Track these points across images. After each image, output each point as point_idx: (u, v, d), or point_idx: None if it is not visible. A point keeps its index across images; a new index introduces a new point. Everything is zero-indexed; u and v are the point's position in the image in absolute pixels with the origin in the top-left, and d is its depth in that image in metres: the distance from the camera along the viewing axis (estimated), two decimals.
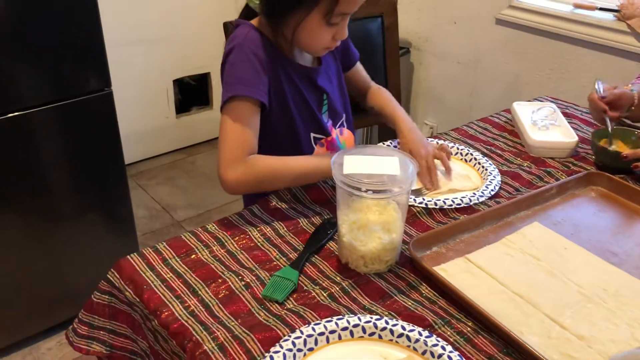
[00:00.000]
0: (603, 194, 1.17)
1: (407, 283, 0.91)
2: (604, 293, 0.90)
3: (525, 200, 1.10)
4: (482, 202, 1.11)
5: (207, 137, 3.11)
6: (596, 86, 1.32)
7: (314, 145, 1.22)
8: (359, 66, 1.38)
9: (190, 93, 3.04)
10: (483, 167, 1.23)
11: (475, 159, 1.26)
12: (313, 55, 1.20)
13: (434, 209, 1.09)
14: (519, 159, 1.29)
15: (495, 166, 1.23)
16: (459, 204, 1.10)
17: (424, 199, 1.11)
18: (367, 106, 1.39)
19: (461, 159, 1.28)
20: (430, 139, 1.32)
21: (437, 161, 1.19)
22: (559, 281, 0.92)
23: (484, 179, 1.20)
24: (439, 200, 1.10)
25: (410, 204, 1.08)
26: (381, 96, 1.37)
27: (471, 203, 1.10)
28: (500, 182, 1.18)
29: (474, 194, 1.13)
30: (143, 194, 2.69)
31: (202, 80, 3.02)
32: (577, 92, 1.98)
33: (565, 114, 1.44)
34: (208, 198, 2.66)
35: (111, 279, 0.93)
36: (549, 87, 2.13)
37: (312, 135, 1.21)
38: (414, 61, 2.58)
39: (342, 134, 1.30)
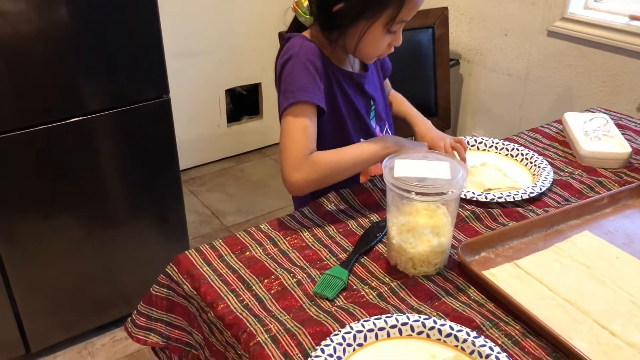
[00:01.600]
0: None
1: (455, 286, 0.93)
2: None
3: (576, 209, 1.10)
4: (533, 199, 1.14)
5: (257, 146, 3.18)
6: None
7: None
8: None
9: (242, 103, 3.13)
10: (533, 163, 1.26)
11: (523, 154, 1.30)
12: (366, 62, 1.24)
13: (482, 214, 1.10)
14: (570, 167, 1.28)
15: (544, 160, 1.26)
16: (519, 196, 1.13)
17: (474, 193, 1.15)
18: (392, 112, 1.43)
19: (498, 153, 1.33)
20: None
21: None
22: (610, 290, 0.92)
23: (534, 174, 1.23)
24: (495, 195, 1.13)
25: (460, 205, 1.10)
26: (399, 100, 1.43)
27: (533, 193, 1.14)
28: (552, 173, 1.21)
29: (526, 189, 1.16)
30: (194, 199, 2.77)
31: (253, 90, 3.10)
32: (631, 105, 1.94)
33: (619, 126, 1.43)
34: (256, 205, 2.72)
35: (170, 272, 0.98)
36: (601, 100, 2.10)
37: (362, 140, 1.25)
38: (463, 73, 2.58)
39: None
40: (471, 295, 0.91)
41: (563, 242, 1.03)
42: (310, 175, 1.07)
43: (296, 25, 1.23)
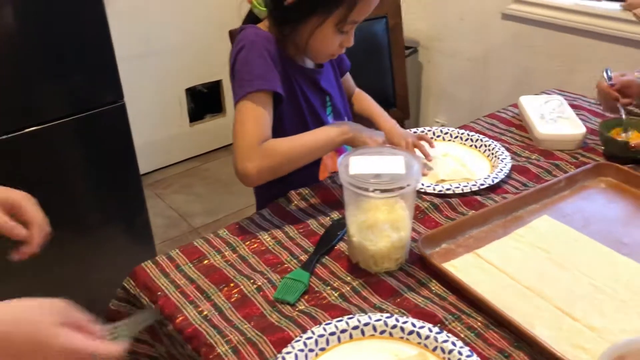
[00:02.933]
0: (613, 184, 1.16)
1: (417, 280, 0.92)
2: (616, 284, 0.90)
3: (534, 194, 1.10)
4: (492, 186, 1.14)
5: (221, 144, 3.14)
6: (604, 74, 1.32)
7: None
8: (347, 74, 1.41)
9: (203, 101, 3.08)
10: (493, 153, 1.26)
11: (486, 145, 1.30)
12: (316, 61, 1.22)
13: (441, 204, 1.10)
14: (526, 151, 1.29)
15: (502, 148, 1.27)
16: (469, 189, 1.13)
17: (431, 185, 1.14)
18: (351, 110, 1.41)
19: (463, 144, 1.33)
20: (413, 130, 1.36)
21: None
22: (570, 274, 0.93)
23: (493, 165, 1.24)
24: (451, 187, 1.13)
25: (419, 197, 1.10)
26: (362, 99, 1.41)
27: (484, 185, 1.14)
28: (509, 164, 1.21)
29: (477, 181, 1.16)
30: (160, 202, 2.73)
31: (214, 87, 3.06)
32: (588, 84, 1.95)
33: (573, 106, 1.44)
34: (224, 204, 2.69)
35: (127, 286, 0.95)
36: (559, 80, 2.12)
37: None
38: (422, 60, 2.58)
39: None
40: (433, 289, 0.91)
41: (522, 228, 1.04)
42: (262, 164, 1.04)
43: (251, 19, 1.21)
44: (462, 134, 1.34)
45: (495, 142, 1.29)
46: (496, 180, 1.15)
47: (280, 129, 1.14)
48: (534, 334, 0.78)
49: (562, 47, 2.09)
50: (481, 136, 1.32)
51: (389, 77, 1.70)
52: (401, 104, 1.73)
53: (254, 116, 1.07)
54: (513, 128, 1.40)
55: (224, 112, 3.11)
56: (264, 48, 1.10)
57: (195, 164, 3.05)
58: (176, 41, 2.77)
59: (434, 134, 1.36)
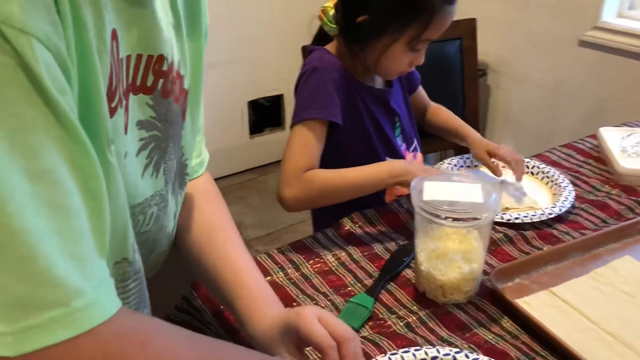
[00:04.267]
0: None
1: (487, 315, 0.88)
2: None
3: (615, 232, 1.04)
4: (569, 221, 1.10)
5: (279, 158, 3.12)
6: None
7: None
8: (420, 88, 1.38)
9: (264, 114, 3.11)
10: (554, 181, 1.22)
11: (543, 172, 1.25)
12: (386, 78, 1.20)
13: (515, 236, 1.04)
14: (607, 186, 1.22)
15: (565, 177, 1.22)
16: (538, 218, 1.08)
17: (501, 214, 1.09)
18: (428, 124, 1.38)
19: (527, 172, 1.28)
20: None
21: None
22: None
23: (554, 192, 1.19)
24: (520, 216, 1.08)
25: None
26: (443, 112, 1.37)
27: (552, 214, 1.09)
28: (573, 192, 1.16)
29: (554, 205, 1.11)
30: None
31: (276, 101, 3.08)
32: None
33: None
34: (278, 218, 2.69)
35: (189, 297, 0.95)
36: (637, 113, 2.02)
37: (387, 159, 1.20)
38: (491, 84, 2.52)
39: (415, 158, 1.29)
40: (505, 325, 0.86)
41: (602, 267, 0.97)
42: (300, 193, 1.04)
43: (321, 36, 1.20)
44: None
45: (553, 169, 1.24)
46: (563, 209, 1.10)
47: (338, 156, 1.12)
48: None
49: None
50: (537, 162, 1.28)
51: (460, 99, 1.66)
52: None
53: (303, 143, 1.06)
54: (591, 160, 1.34)
55: (283, 126, 3.13)
56: (327, 75, 1.10)
57: (252, 176, 3.07)
58: (242, 53, 2.82)
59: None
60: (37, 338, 0.42)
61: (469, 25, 1.65)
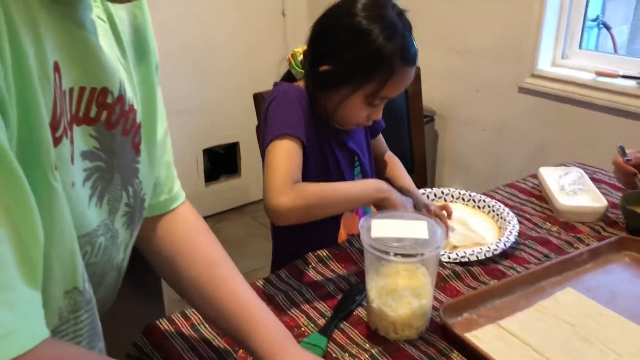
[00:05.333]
0: (637, 259, 1.14)
1: (438, 350, 0.89)
2: None
3: (557, 266, 1.08)
4: (514, 257, 1.14)
5: (235, 205, 3.15)
6: (618, 150, 1.33)
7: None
8: (380, 135, 1.43)
9: (220, 162, 3.11)
10: (499, 215, 1.27)
11: (489, 206, 1.31)
12: (342, 127, 1.24)
13: (463, 272, 1.08)
14: (547, 223, 1.28)
15: (510, 211, 1.27)
16: (484, 255, 1.12)
17: (445, 253, 1.13)
18: (380, 171, 1.42)
19: (465, 204, 1.34)
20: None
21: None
22: (596, 348, 0.89)
23: (500, 227, 1.24)
24: (466, 253, 1.12)
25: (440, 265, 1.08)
26: (394, 163, 1.43)
27: (497, 250, 1.13)
28: (517, 225, 1.21)
29: (499, 240, 1.16)
30: None
31: (231, 149, 3.10)
32: (604, 158, 1.96)
33: (594, 179, 1.44)
34: (236, 265, 2.66)
35: (140, 344, 0.93)
36: (575, 153, 2.12)
37: None
38: (438, 129, 2.61)
39: None
40: (454, 359, 0.88)
41: (546, 299, 1.01)
42: (296, 202, 1.01)
43: (287, 78, 1.25)
44: (463, 194, 1.36)
45: (499, 203, 1.30)
46: (508, 244, 1.14)
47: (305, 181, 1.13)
48: None
49: (578, 121, 2.11)
50: (483, 197, 1.33)
51: (407, 143, 1.72)
52: (419, 171, 1.74)
53: (285, 155, 1.06)
54: (533, 199, 1.40)
55: (239, 173, 3.14)
56: (296, 100, 1.14)
57: (209, 223, 3.00)
58: (197, 102, 2.84)
59: (435, 195, 1.37)
60: None
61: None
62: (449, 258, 1.11)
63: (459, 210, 1.31)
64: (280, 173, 1.03)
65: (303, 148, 1.11)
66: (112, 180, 0.68)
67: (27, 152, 0.49)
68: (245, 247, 2.81)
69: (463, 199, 1.36)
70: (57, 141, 0.56)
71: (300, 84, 1.20)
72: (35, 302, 0.48)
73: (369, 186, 1.11)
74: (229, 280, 0.80)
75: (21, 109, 0.49)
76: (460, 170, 2.61)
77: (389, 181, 1.39)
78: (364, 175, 1.29)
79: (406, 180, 1.37)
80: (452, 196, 1.37)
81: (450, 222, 1.25)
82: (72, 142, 0.60)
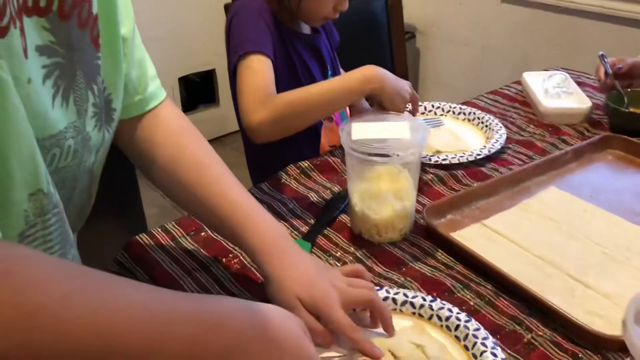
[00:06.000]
0: (620, 156, 1.13)
1: (422, 250, 0.89)
2: (628, 251, 0.87)
3: (541, 166, 1.07)
4: (497, 159, 1.12)
5: (215, 135, 3.09)
6: (602, 61, 1.30)
7: (321, 120, 1.21)
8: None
9: (196, 90, 3.03)
10: (488, 126, 1.24)
11: (479, 118, 1.27)
12: (309, 24, 1.19)
13: (446, 176, 1.06)
14: (531, 126, 1.26)
15: (499, 122, 1.24)
16: (466, 159, 1.10)
17: (427, 155, 1.11)
18: None
19: (456, 117, 1.31)
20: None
21: None
22: (581, 242, 0.90)
23: (487, 137, 1.21)
24: (447, 157, 1.10)
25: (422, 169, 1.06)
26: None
27: (481, 155, 1.11)
28: (505, 135, 1.18)
29: (484, 146, 1.14)
30: (152, 192, 2.68)
31: (207, 77, 3.01)
32: (589, 66, 1.93)
33: (578, 83, 1.41)
34: None
35: (120, 260, 0.92)
36: (559, 63, 2.06)
37: None
38: (420, 46, 2.55)
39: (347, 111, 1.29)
40: (439, 258, 0.87)
41: (530, 198, 1.01)
42: (269, 116, 0.96)
43: None
44: (454, 107, 1.32)
45: (488, 115, 1.27)
46: (492, 150, 1.13)
47: None
48: (547, 299, 0.75)
49: (562, 29, 2.07)
50: (474, 109, 1.30)
51: (388, 58, 1.67)
52: None
53: (254, 71, 1.01)
54: (517, 104, 1.37)
55: (217, 103, 3.07)
56: (259, 15, 1.08)
57: None
58: (168, 28, 2.73)
59: (425, 108, 1.33)
60: None
61: None
62: (430, 160, 1.09)
63: (448, 122, 1.28)
64: (249, 91, 0.99)
65: (273, 64, 1.05)
66: (74, 78, 0.64)
67: None
68: None
69: (453, 112, 1.32)
70: (2, 31, 0.51)
71: None
72: None
73: (355, 79, 0.99)
74: (218, 180, 0.77)
75: None
76: (443, 88, 2.58)
77: None
78: None
79: None
80: (443, 109, 1.33)
81: (436, 130, 1.22)
82: (23, 33, 0.55)
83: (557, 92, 1.32)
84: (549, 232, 0.92)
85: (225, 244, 0.90)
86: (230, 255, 0.88)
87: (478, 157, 1.11)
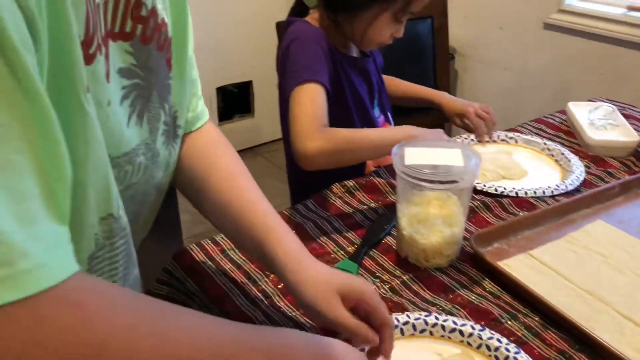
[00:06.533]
0: None
1: (469, 278, 0.89)
2: None
3: (588, 198, 1.07)
4: (562, 194, 1.11)
5: (249, 145, 3.13)
6: None
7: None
8: None
9: (233, 101, 3.08)
10: (556, 155, 1.24)
11: (549, 149, 1.27)
12: (365, 49, 1.21)
13: (492, 204, 1.07)
14: (576, 157, 1.25)
15: (575, 155, 1.23)
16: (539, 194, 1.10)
17: (493, 185, 1.11)
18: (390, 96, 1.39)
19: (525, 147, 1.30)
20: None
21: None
22: (629, 278, 0.89)
23: (566, 170, 1.20)
24: (513, 189, 1.10)
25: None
26: (400, 81, 1.40)
27: (558, 190, 1.11)
28: (584, 172, 1.17)
29: (561, 182, 1.14)
30: (183, 198, 2.72)
31: (244, 88, 3.06)
32: (631, 96, 1.92)
33: (624, 115, 1.40)
34: None
35: (170, 269, 0.93)
36: (600, 92, 2.07)
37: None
38: (458, 68, 2.56)
39: None
40: (486, 287, 0.88)
41: (577, 231, 1.00)
42: (325, 145, 0.99)
43: (298, 9, 1.20)
44: (510, 137, 1.31)
45: (565, 149, 1.26)
46: (570, 188, 1.11)
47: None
48: (597, 336, 0.75)
49: (606, 58, 2.06)
50: (549, 142, 1.29)
51: (432, 79, 1.68)
52: None
53: (312, 99, 1.04)
54: (561, 134, 1.37)
55: (252, 113, 3.11)
56: (315, 42, 1.10)
57: None
58: (210, 40, 2.78)
59: (498, 137, 1.33)
60: None
61: (440, 4, 1.66)
62: (496, 190, 1.10)
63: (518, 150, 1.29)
64: (307, 118, 1.01)
65: (327, 94, 1.08)
66: (150, 98, 0.66)
67: (60, 75, 0.45)
68: (260, 187, 2.80)
69: (516, 140, 1.31)
70: (90, 58, 0.53)
71: (314, 15, 1.16)
72: (62, 236, 0.45)
73: (399, 133, 1.07)
74: (249, 190, 0.78)
75: (52, 28, 0.45)
76: None
77: (402, 99, 1.37)
78: (381, 108, 1.27)
79: (417, 87, 1.36)
80: (516, 140, 1.32)
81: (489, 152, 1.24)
82: (107, 58, 0.57)
83: (603, 124, 1.31)
84: (596, 266, 0.92)
85: None
86: None
87: (555, 192, 1.10)
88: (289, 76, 1.08)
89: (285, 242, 0.72)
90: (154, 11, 0.64)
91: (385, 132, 1.10)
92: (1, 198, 0.39)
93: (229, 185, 0.78)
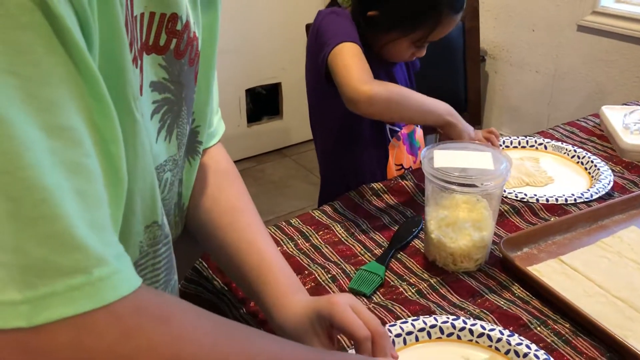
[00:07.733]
0: None
1: (498, 282, 0.88)
2: None
3: (621, 204, 1.05)
4: (590, 201, 1.08)
5: (276, 146, 3.15)
6: None
7: (389, 138, 1.23)
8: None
9: (262, 103, 3.10)
10: (587, 162, 1.22)
11: (579, 156, 1.24)
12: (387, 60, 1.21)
13: (522, 208, 1.05)
14: (610, 162, 1.23)
15: (605, 163, 1.20)
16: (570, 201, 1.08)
17: (514, 192, 1.10)
18: None
19: (555, 153, 1.28)
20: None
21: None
22: None
23: (593, 177, 1.18)
24: (534, 196, 1.09)
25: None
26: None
27: (581, 198, 1.09)
28: (612, 180, 1.14)
29: (586, 191, 1.11)
30: None
31: (273, 90, 3.08)
32: None
33: None
34: (277, 205, 2.69)
35: (199, 268, 0.95)
36: (635, 96, 2.03)
37: (388, 127, 1.24)
38: (489, 70, 2.53)
39: (416, 133, 1.30)
40: (515, 292, 0.86)
41: (609, 237, 0.98)
42: (382, 92, 0.99)
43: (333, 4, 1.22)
44: (547, 142, 1.29)
45: (588, 154, 1.23)
46: (595, 196, 1.09)
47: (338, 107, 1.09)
48: (630, 344, 0.73)
49: (638, 61, 2.01)
50: (573, 147, 1.27)
51: (462, 81, 1.67)
52: (472, 109, 1.69)
53: (356, 54, 1.03)
54: (594, 138, 1.35)
55: (280, 115, 3.13)
56: (349, 19, 1.12)
57: (250, 164, 3.07)
58: (240, 42, 2.81)
59: (520, 142, 1.31)
60: (55, 308, 0.36)
61: (471, 6, 1.65)
62: (516, 196, 1.08)
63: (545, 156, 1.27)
64: (356, 68, 1.01)
65: None
66: (180, 114, 0.65)
67: (110, 80, 0.44)
68: (288, 189, 2.82)
69: (545, 147, 1.29)
70: None
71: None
72: (121, 246, 0.44)
73: (441, 105, 1.08)
74: (251, 228, 0.77)
75: (103, 30, 0.44)
76: (510, 114, 2.54)
77: None
78: None
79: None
80: (545, 147, 1.29)
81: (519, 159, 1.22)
82: (141, 71, 0.57)
83: (638, 129, 1.28)
84: (629, 273, 0.90)
85: (300, 261, 0.92)
86: (306, 272, 0.90)
87: (577, 199, 1.08)
88: (324, 44, 1.07)
89: (277, 289, 0.71)
90: (187, 25, 0.63)
91: (429, 100, 1.07)
92: (76, 203, 0.38)
93: (228, 221, 0.77)
